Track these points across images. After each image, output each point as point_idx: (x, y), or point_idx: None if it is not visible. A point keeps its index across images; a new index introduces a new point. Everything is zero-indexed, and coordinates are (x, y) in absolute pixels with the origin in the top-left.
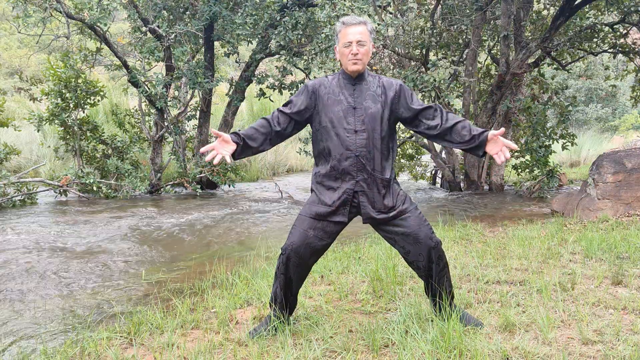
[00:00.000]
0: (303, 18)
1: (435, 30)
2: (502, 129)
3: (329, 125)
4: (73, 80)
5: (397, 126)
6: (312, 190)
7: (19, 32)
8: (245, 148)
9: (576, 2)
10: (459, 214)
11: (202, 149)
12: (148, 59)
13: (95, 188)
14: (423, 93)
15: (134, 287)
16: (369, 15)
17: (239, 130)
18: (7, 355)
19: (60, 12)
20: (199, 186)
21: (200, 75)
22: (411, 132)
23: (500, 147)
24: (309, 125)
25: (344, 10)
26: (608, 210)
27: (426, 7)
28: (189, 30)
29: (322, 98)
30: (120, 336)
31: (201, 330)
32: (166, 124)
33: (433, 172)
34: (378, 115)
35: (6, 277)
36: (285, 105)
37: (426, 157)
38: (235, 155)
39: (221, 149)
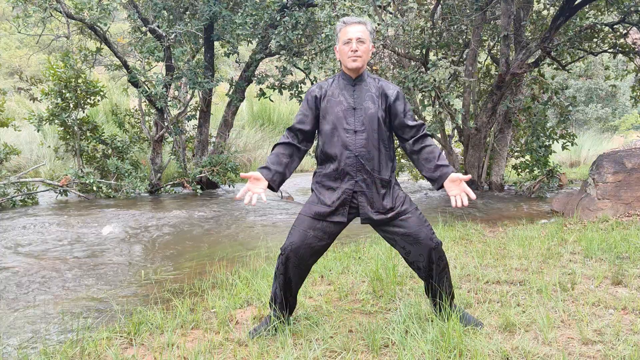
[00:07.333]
0: (303, 18)
1: (435, 30)
2: (469, 176)
3: (329, 127)
4: (73, 80)
5: None
6: (312, 189)
7: (19, 32)
8: (277, 174)
9: (576, 2)
10: (459, 214)
11: (238, 195)
12: (148, 59)
13: (95, 188)
14: (423, 93)
15: (134, 287)
16: (369, 15)
17: (266, 164)
18: (7, 355)
19: (60, 12)
20: (199, 186)
21: (200, 75)
22: None
23: (460, 191)
24: None
25: (344, 10)
26: (608, 210)
27: (426, 7)
28: (189, 30)
29: (321, 101)
30: (120, 336)
31: (201, 330)
32: (166, 124)
33: None
34: (377, 117)
35: (6, 277)
36: (299, 123)
37: None
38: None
39: (254, 188)
